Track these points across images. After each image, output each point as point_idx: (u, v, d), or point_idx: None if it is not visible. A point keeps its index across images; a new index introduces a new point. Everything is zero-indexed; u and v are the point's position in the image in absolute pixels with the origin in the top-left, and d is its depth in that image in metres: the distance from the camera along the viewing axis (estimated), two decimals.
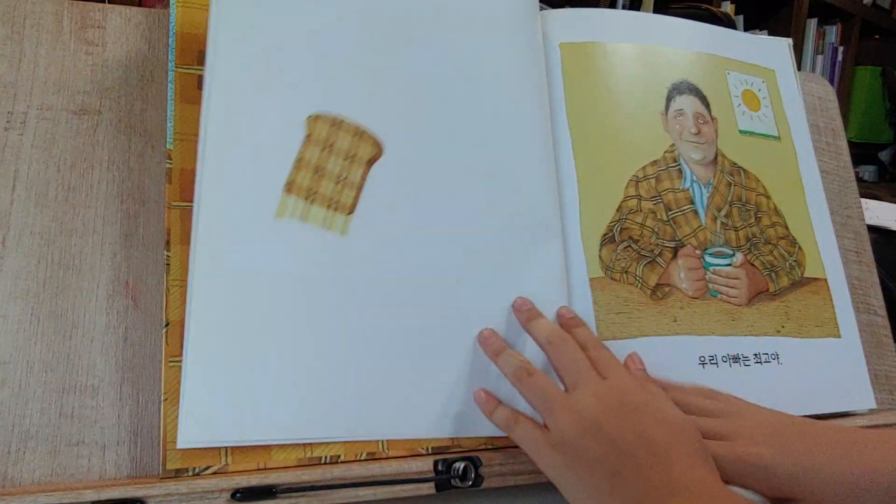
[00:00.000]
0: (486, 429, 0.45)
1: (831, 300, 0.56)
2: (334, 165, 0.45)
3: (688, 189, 0.55)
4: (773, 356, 0.52)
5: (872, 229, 0.65)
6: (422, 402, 0.45)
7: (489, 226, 0.48)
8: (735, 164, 0.57)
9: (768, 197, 0.57)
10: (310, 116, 0.45)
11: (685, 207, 0.54)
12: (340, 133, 0.46)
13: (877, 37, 2.68)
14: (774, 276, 0.55)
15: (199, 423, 0.40)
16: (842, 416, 0.54)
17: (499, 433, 0.45)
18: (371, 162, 0.46)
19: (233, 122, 0.44)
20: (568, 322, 0.47)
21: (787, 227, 0.57)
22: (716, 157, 0.56)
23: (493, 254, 0.48)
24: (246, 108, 0.45)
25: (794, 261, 0.56)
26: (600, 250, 0.51)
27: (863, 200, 0.64)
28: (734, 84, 0.59)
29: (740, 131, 0.58)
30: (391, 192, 0.47)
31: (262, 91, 0.45)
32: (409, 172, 0.47)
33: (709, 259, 0.53)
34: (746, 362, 0.52)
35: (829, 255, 0.58)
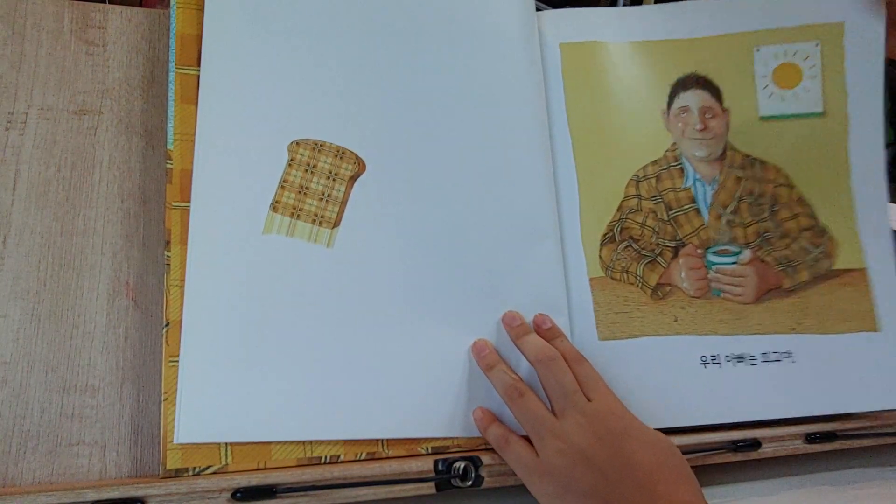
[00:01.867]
0: None
1: (869, 292, 0.53)
2: (317, 184, 0.46)
3: (689, 188, 0.54)
4: (785, 354, 0.51)
5: None
6: (422, 402, 0.45)
7: (481, 228, 0.48)
8: (749, 156, 0.54)
9: (791, 186, 0.54)
10: (291, 143, 0.46)
11: (686, 206, 0.54)
12: (321, 155, 0.47)
13: None
14: (791, 271, 0.53)
15: (197, 420, 0.41)
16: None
17: None
18: (354, 178, 0.47)
19: (224, 130, 0.45)
20: (546, 334, 0.47)
21: (814, 217, 0.53)
22: (724, 153, 0.54)
23: (486, 255, 0.48)
24: (234, 121, 0.45)
25: (822, 252, 0.53)
26: (600, 250, 0.51)
27: None
28: (763, 62, 0.54)
29: (761, 118, 0.54)
30: (377, 203, 0.47)
31: (249, 109, 0.46)
32: (396, 183, 0.48)
33: (712, 258, 0.53)
34: (753, 361, 0.51)
35: (874, 242, 0.53)
